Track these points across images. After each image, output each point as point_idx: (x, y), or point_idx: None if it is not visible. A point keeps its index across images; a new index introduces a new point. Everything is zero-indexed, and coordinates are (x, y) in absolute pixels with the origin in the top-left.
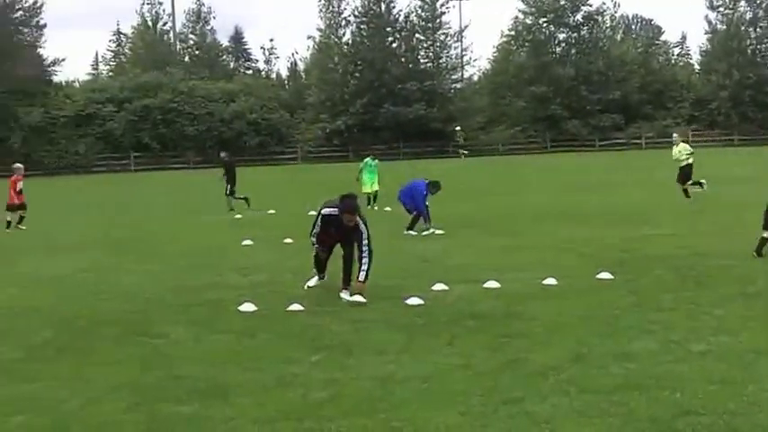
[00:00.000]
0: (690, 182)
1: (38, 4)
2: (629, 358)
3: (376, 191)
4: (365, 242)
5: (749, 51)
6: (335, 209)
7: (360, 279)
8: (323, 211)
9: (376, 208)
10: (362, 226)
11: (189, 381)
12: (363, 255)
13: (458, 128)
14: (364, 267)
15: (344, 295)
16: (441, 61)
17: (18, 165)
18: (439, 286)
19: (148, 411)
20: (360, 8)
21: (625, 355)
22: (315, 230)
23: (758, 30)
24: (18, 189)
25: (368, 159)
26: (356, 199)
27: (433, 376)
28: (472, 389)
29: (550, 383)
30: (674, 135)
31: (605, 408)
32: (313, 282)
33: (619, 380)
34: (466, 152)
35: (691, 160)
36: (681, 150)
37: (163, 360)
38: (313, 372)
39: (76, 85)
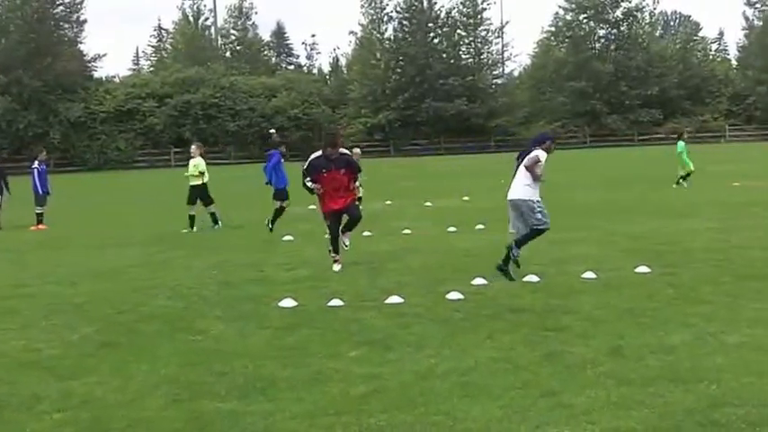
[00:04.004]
0: (211, 204)
1: (78, 0)
2: (666, 351)
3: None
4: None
5: None
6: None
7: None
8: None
9: (685, 185)
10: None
11: (229, 376)
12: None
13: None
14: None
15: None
16: (482, 57)
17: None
18: (479, 281)
19: (188, 407)
20: (402, 4)
21: (662, 348)
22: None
23: None
24: None
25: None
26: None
27: (472, 370)
28: (511, 382)
29: (588, 376)
30: (193, 147)
31: (642, 400)
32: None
33: (656, 372)
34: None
35: (206, 179)
36: (196, 165)
37: (203, 356)
38: (353, 367)
39: (117, 80)
